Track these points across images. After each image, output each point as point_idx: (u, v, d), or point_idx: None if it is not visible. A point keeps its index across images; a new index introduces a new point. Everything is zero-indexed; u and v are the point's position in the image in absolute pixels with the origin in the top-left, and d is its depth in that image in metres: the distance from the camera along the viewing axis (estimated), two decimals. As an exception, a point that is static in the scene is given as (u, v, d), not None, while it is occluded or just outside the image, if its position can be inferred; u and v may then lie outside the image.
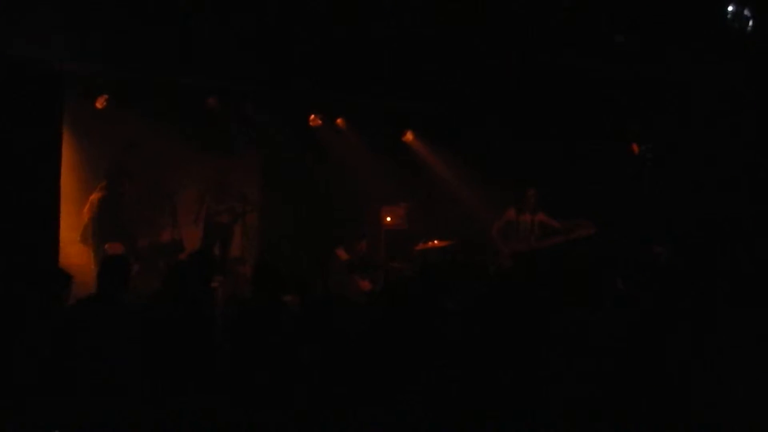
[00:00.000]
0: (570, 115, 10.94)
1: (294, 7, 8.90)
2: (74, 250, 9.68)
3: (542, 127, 11.23)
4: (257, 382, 4.57)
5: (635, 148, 11.42)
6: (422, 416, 4.09)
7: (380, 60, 9.54)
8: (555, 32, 9.60)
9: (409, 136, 12.27)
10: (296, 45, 9.15)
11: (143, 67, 8.93)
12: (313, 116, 11.32)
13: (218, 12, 8.70)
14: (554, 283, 5.89)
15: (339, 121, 11.60)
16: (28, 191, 7.63)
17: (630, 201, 11.02)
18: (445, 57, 9.81)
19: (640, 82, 10.44)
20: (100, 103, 9.71)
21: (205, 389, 4.50)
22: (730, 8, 9.58)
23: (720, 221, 10.16)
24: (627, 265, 8.02)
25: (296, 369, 4.49)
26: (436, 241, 11.25)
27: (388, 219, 11.99)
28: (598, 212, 10.57)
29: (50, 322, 4.85)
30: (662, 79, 10.35)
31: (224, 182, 11.03)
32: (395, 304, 5.26)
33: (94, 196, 9.80)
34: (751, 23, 9.60)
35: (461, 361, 4.66)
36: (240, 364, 4.83)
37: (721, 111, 10.42)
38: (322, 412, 4.05)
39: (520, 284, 5.88)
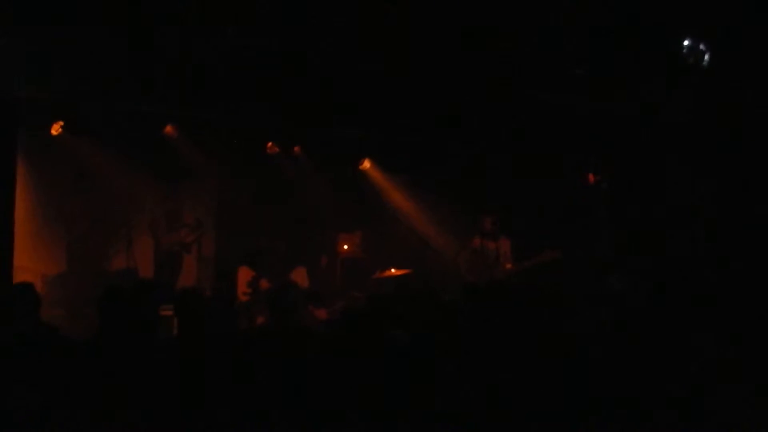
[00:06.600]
0: (529, 144, 11.02)
1: (253, 38, 8.90)
2: (26, 278, 9.56)
3: (501, 155, 11.30)
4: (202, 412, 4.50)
5: (591, 178, 11.53)
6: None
7: (337, 90, 9.55)
8: (514, 63, 9.66)
9: (366, 164, 12.32)
10: (255, 74, 9.13)
11: (103, 95, 8.91)
12: (270, 144, 11.32)
13: (177, 40, 8.66)
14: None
15: (296, 149, 11.61)
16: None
17: (586, 230, 11.11)
18: (402, 85, 9.84)
19: (598, 114, 10.54)
20: (55, 130, 9.64)
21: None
22: (686, 42, 9.71)
23: (673, 251, 10.28)
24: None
25: (240, 399, 4.45)
26: (393, 270, 11.18)
27: (345, 247, 11.97)
28: (558, 241, 10.54)
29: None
30: (619, 111, 10.46)
31: (175, 210, 10.99)
32: (348, 335, 5.25)
33: None
34: (706, 57, 9.73)
35: (413, 394, 4.65)
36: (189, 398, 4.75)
37: (676, 143, 10.57)
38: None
39: (470, 312, 5.83)
